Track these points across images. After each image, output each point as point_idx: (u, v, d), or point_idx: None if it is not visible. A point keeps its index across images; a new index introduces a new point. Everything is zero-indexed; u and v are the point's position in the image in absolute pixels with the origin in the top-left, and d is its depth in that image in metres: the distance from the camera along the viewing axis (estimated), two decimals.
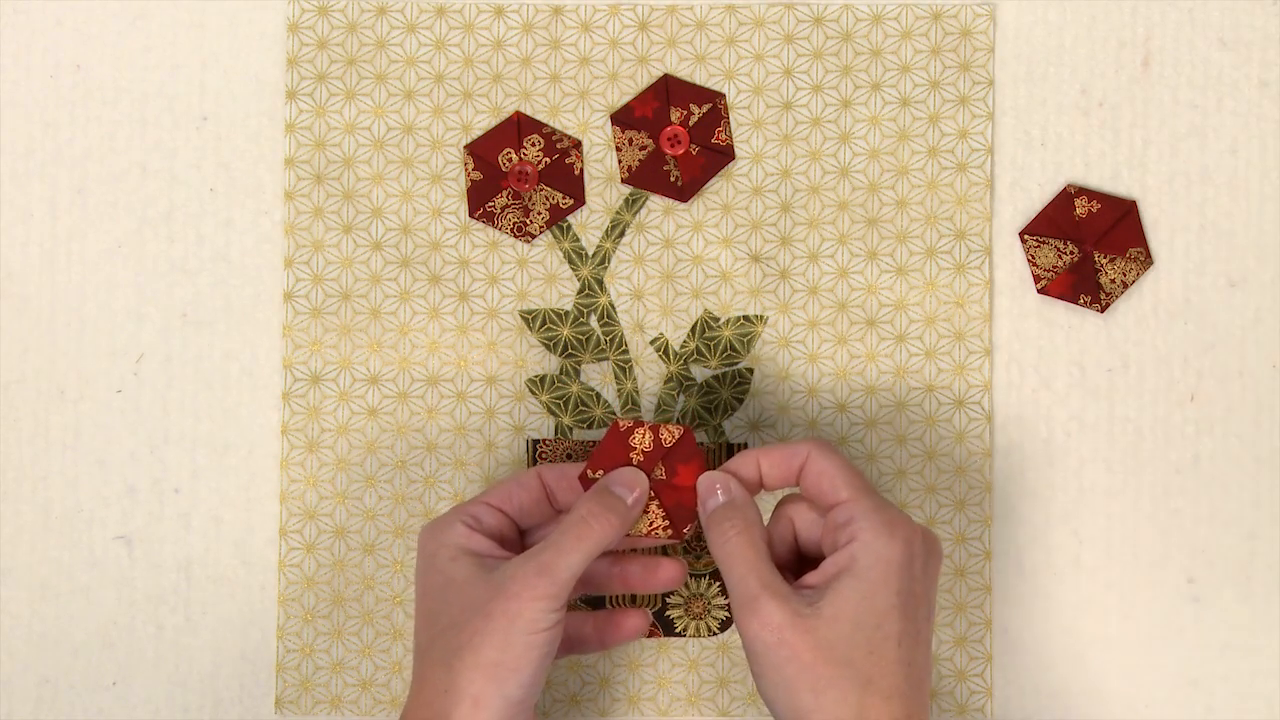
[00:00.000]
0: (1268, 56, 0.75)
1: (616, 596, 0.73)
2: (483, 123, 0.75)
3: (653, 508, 0.67)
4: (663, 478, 0.67)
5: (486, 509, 0.66)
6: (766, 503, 0.68)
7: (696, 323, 0.74)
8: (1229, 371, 0.74)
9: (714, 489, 0.66)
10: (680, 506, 0.66)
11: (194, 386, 0.74)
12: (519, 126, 0.75)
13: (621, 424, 0.67)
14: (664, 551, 0.71)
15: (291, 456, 0.74)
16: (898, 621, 0.62)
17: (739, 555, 0.63)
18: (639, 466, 0.67)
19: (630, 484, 0.66)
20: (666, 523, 0.66)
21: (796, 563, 0.66)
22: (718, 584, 0.74)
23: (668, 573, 0.69)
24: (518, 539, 0.68)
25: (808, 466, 0.65)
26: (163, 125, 0.75)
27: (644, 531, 0.66)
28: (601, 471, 0.66)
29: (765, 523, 0.66)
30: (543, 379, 0.74)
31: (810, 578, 0.63)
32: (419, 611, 0.65)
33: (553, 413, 0.74)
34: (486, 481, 0.74)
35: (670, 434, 0.67)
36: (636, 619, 0.70)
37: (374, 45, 0.75)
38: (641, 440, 0.67)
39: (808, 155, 0.75)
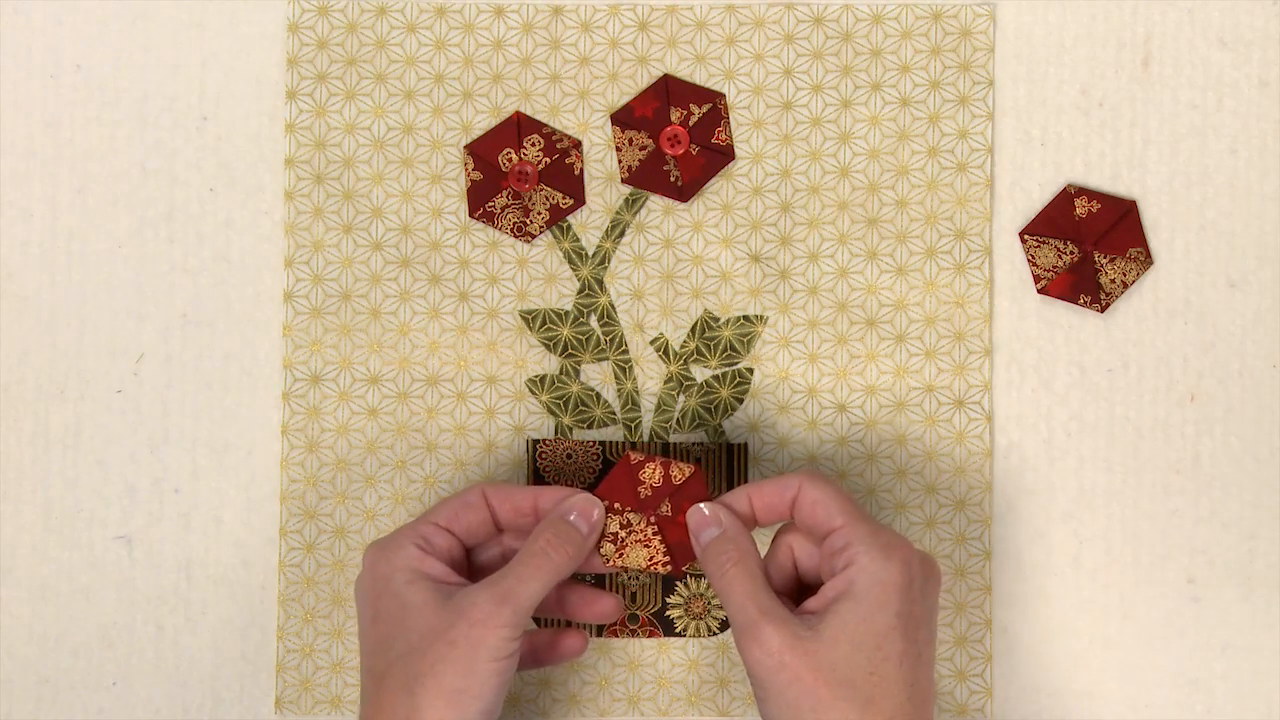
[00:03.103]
0: (1268, 56, 0.75)
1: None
2: (483, 123, 0.75)
3: (655, 542, 0.67)
4: (668, 514, 0.67)
5: (436, 530, 0.66)
6: (764, 536, 0.68)
7: (696, 323, 0.74)
8: (1229, 371, 0.74)
9: (707, 522, 0.66)
10: (682, 544, 0.67)
11: (194, 386, 0.74)
12: (519, 126, 0.75)
13: (633, 457, 0.68)
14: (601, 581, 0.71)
15: (291, 456, 0.74)
16: (898, 642, 0.62)
17: (737, 584, 0.64)
18: (645, 501, 0.67)
19: (586, 513, 0.67)
20: (667, 559, 0.67)
21: (797, 591, 0.67)
22: None
23: (605, 606, 0.70)
24: (465, 560, 0.68)
25: (800, 498, 0.65)
26: (163, 125, 0.75)
27: (644, 565, 0.67)
28: (608, 503, 0.67)
29: (764, 554, 0.66)
30: (543, 379, 0.74)
31: (810, 603, 0.64)
32: (369, 635, 0.65)
33: (553, 413, 0.74)
34: (486, 481, 0.74)
35: (681, 472, 0.67)
36: (575, 640, 0.70)
37: (374, 45, 0.75)
38: (651, 475, 0.68)
39: (808, 155, 0.75)
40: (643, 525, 0.68)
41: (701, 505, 0.67)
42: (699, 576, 0.74)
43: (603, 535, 0.67)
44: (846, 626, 0.62)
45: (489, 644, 0.63)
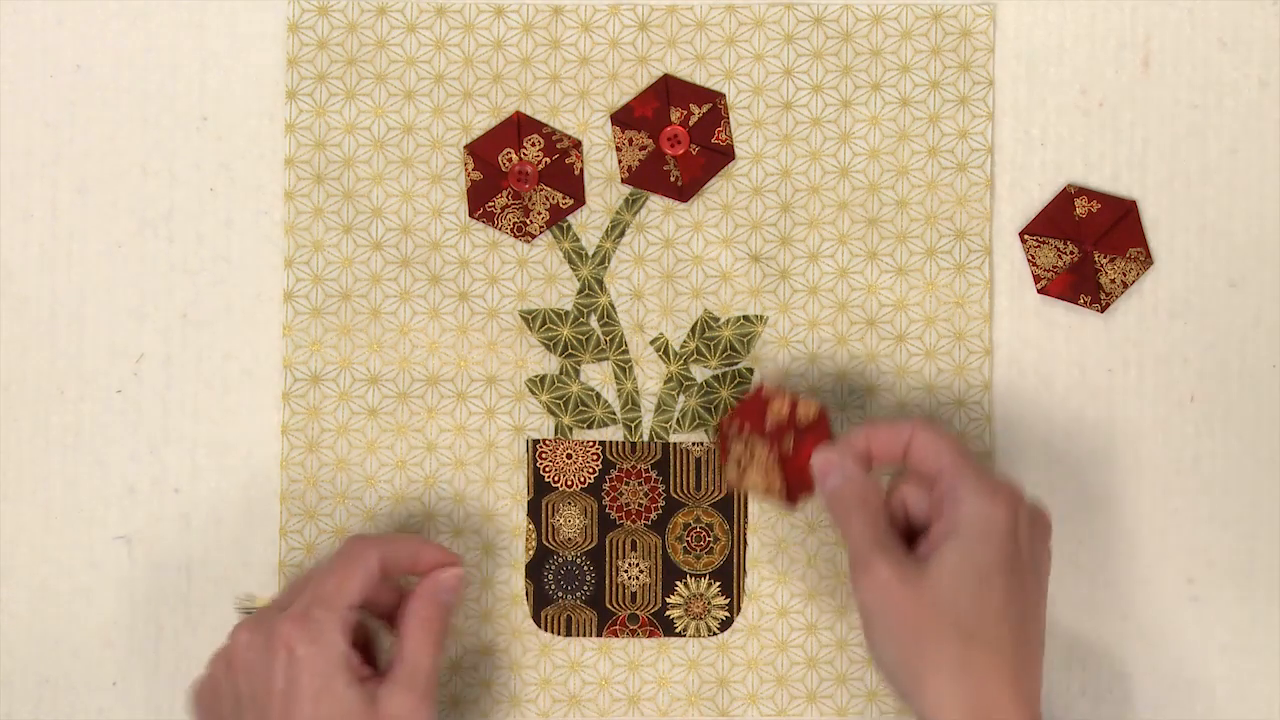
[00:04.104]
0: (1268, 56, 0.75)
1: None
2: (483, 123, 0.75)
3: (775, 473, 0.70)
4: (790, 450, 0.70)
5: (352, 612, 0.66)
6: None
7: (696, 323, 0.74)
8: (1229, 371, 0.74)
9: (832, 468, 0.68)
10: (801, 480, 0.69)
11: (194, 386, 0.74)
12: (519, 126, 0.75)
13: (766, 390, 0.70)
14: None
15: (291, 456, 0.74)
16: (1002, 580, 0.64)
17: (856, 523, 0.66)
18: (771, 433, 0.70)
19: (455, 589, 0.69)
20: (784, 491, 0.70)
21: (909, 539, 0.68)
22: (718, 584, 0.74)
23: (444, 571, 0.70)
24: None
25: (913, 441, 0.67)
26: (163, 125, 0.75)
27: (760, 490, 0.70)
28: (739, 423, 0.70)
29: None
30: (543, 379, 0.74)
31: (921, 546, 0.66)
32: None
33: (553, 413, 0.74)
34: (486, 482, 0.74)
35: (808, 410, 0.70)
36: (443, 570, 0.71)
37: (374, 45, 0.75)
38: (779, 410, 0.70)
39: (808, 155, 0.75)
40: (767, 454, 0.70)
41: (829, 451, 0.68)
42: (699, 576, 0.74)
43: (729, 454, 0.71)
44: (951, 563, 0.64)
45: None
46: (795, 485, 0.70)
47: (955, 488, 0.65)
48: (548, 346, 0.74)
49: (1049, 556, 0.67)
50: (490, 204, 0.74)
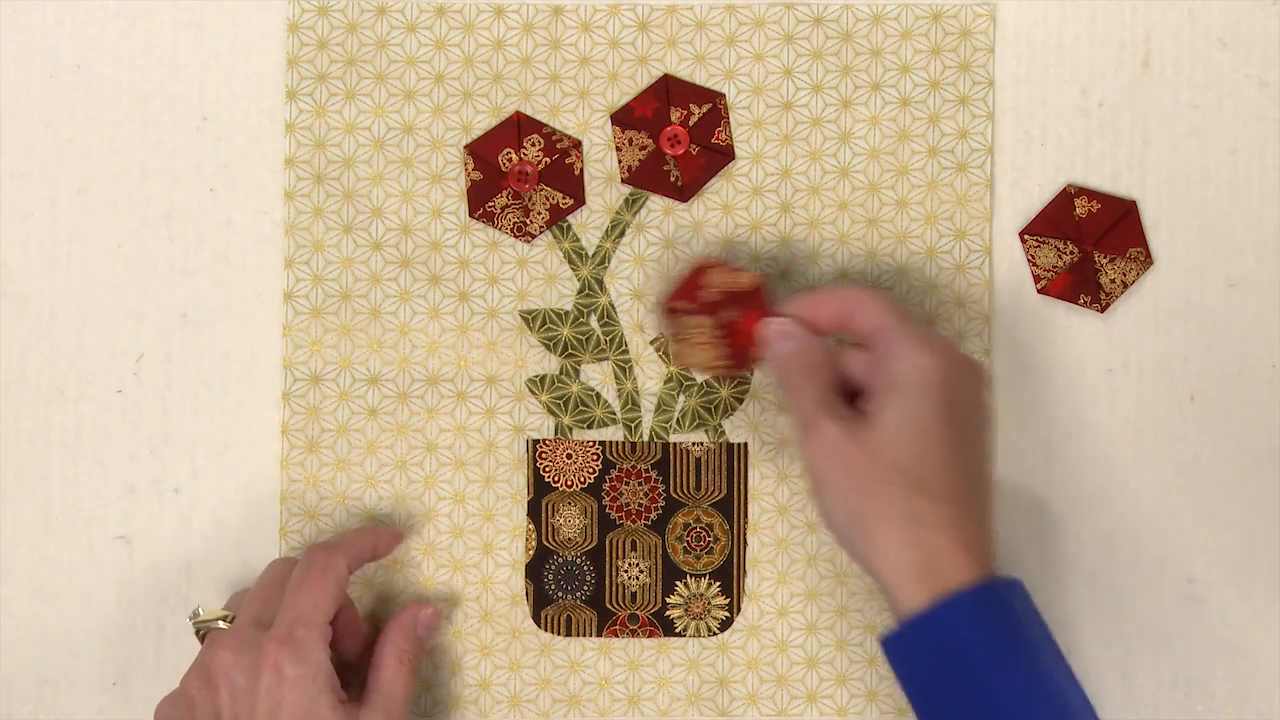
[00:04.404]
0: (1268, 56, 0.75)
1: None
2: (483, 123, 0.75)
3: (720, 344, 0.71)
4: (735, 318, 0.70)
5: (329, 628, 0.67)
6: None
7: None
8: (1229, 371, 0.74)
9: (780, 334, 0.69)
10: (745, 348, 0.71)
11: (194, 386, 0.74)
12: (519, 126, 0.75)
13: (701, 264, 0.71)
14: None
15: (291, 456, 0.74)
16: (942, 428, 0.65)
17: (803, 388, 0.67)
18: (709, 305, 0.71)
19: (429, 625, 0.72)
20: (730, 360, 0.71)
21: (851, 403, 0.69)
22: (718, 584, 0.74)
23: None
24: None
25: (852, 305, 0.68)
26: (163, 125, 0.75)
27: (707, 365, 0.71)
28: (679, 303, 0.71)
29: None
30: (543, 379, 0.74)
31: (862, 405, 0.67)
32: None
33: (553, 413, 0.74)
34: (486, 482, 0.74)
35: (746, 279, 0.71)
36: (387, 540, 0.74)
37: (374, 45, 0.75)
38: (715, 280, 0.71)
39: (808, 155, 0.75)
40: (708, 328, 0.71)
41: (775, 319, 0.69)
42: (699, 576, 0.74)
43: (672, 336, 0.72)
44: (893, 416, 0.65)
45: None
46: (740, 355, 0.71)
47: (892, 345, 0.66)
48: (548, 346, 0.74)
49: (987, 407, 0.68)
50: (490, 204, 0.74)
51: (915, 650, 0.64)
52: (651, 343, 0.74)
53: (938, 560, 0.63)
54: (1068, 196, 0.74)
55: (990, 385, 0.68)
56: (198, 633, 0.69)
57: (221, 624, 0.68)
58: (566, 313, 0.74)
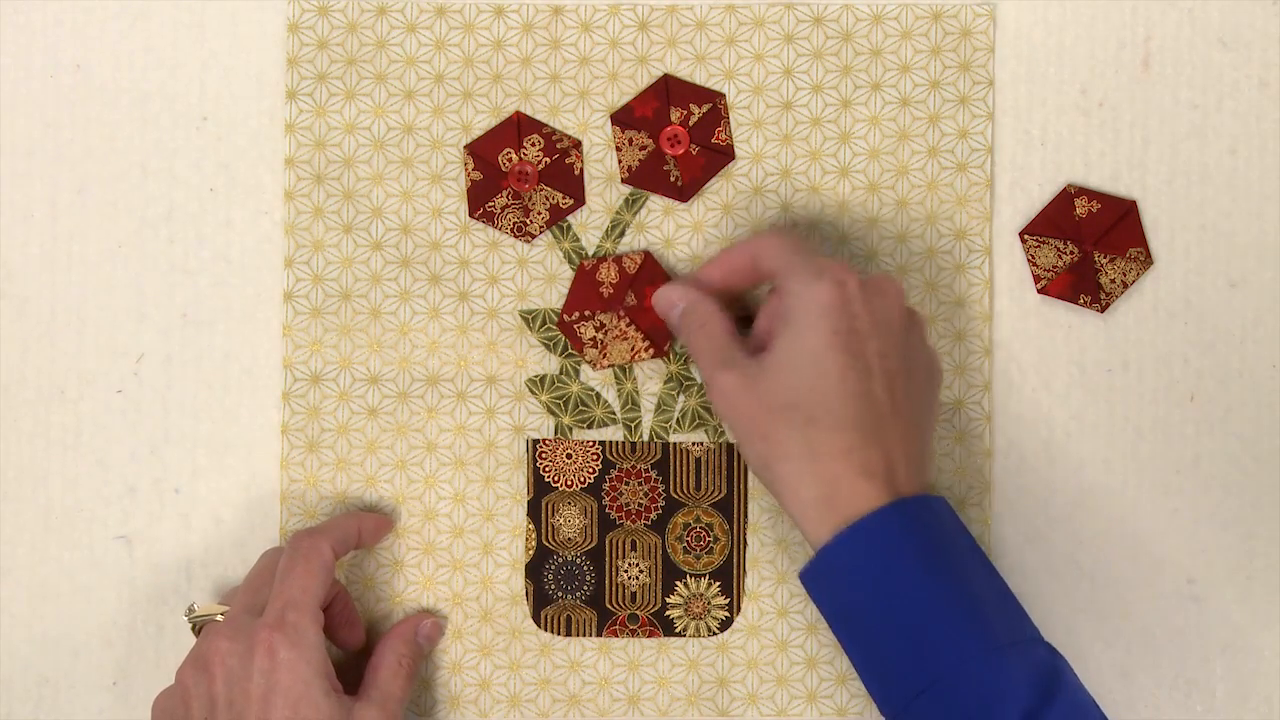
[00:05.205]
0: (1268, 56, 0.75)
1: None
2: (483, 123, 0.75)
3: (631, 332, 0.72)
4: (635, 303, 0.71)
5: (322, 613, 0.68)
6: None
7: None
8: (1229, 371, 0.74)
9: (670, 300, 0.70)
10: (657, 327, 0.71)
11: (194, 386, 0.74)
12: (519, 126, 0.75)
13: (586, 264, 0.72)
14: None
15: (291, 456, 0.74)
16: (838, 357, 0.64)
17: (703, 345, 0.68)
18: (610, 299, 0.71)
19: (430, 636, 0.72)
20: (647, 343, 0.72)
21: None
22: (718, 584, 0.74)
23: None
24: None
25: (757, 251, 0.68)
26: (163, 125, 0.75)
27: (629, 357, 0.72)
28: (579, 312, 0.72)
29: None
30: (543, 379, 0.74)
31: (760, 345, 0.67)
32: None
33: (553, 413, 0.74)
34: (486, 482, 0.74)
35: (633, 261, 0.71)
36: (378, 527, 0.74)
37: (374, 45, 0.75)
38: (608, 274, 0.72)
39: (808, 155, 0.75)
40: (615, 321, 0.72)
41: (663, 287, 0.71)
42: (699, 576, 0.74)
43: (583, 343, 0.72)
44: (783, 351, 0.65)
45: None
46: (655, 334, 0.72)
47: (784, 280, 0.66)
48: (548, 346, 0.74)
49: (904, 315, 0.67)
50: (490, 204, 0.74)
51: (825, 582, 0.65)
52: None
53: (839, 490, 0.63)
54: (1068, 196, 0.74)
55: (903, 296, 0.67)
56: (194, 628, 0.69)
57: (218, 618, 0.68)
58: None
